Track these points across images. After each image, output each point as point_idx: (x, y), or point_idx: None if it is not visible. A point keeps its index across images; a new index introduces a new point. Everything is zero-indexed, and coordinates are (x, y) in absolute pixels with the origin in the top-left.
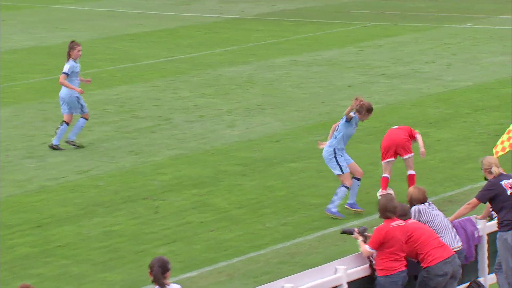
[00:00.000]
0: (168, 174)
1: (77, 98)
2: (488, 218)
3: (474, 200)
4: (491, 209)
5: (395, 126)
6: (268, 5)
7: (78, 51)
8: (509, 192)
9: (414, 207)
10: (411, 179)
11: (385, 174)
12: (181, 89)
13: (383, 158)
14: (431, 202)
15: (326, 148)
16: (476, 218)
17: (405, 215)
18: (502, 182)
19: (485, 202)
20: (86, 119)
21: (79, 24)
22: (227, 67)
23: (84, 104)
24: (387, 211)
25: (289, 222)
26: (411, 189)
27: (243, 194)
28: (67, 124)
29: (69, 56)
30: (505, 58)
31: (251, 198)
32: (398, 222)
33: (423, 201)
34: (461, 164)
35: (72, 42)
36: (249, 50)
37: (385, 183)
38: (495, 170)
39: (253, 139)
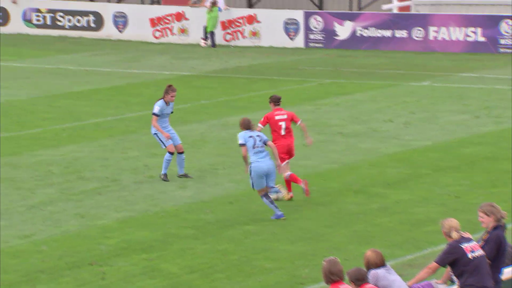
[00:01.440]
0: (116, 238)
1: (157, 135)
2: (449, 282)
3: (433, 264)
4: (451, 273)
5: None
6: (220, 62)
7: (172, 96)
8: (469, 255)
9: (372, 271)
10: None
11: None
12: (129, 149)
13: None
14: (389, 266)
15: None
16: (436, 283)
17: (362, 280)
18: (463, 246)
19: (445, 266)
20: (175, 153)
21: (20, 82)
22: (178, 126)
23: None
24: (332, 274)
25: (243, 287)
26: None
27: (194, 258)
28: (171, 153)
29: (163, 97)
30: (464, 117)
31: (203, 262)
32: (345, 287)
33: (380, 265)
34: (421, 227)
35: (169, 86)
36: (201, 108)
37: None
38: (455, 234)
39: (206, 201)
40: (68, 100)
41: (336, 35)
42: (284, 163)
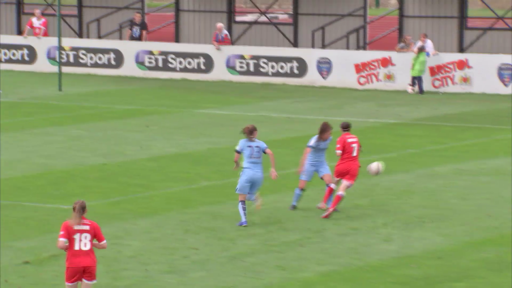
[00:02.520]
0: None
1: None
2: None
3: None
4: None
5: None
6: (428, 109)
7: (328, 134)
8: None
9: None
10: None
11: None
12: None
13: None
14: None
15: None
16: None
17: None
18: None
19: None
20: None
21: (223, 130)
22: (383, 176)
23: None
24: None
25: None
26: None
27: None
28: (301, 189)
29: (319, 134)
30: None
31: None
32: None
33: None
34: None
35: (325, 124)
36: (408, 157)
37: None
38: None
39: (412, 255)
40: (270, 148)
41: None
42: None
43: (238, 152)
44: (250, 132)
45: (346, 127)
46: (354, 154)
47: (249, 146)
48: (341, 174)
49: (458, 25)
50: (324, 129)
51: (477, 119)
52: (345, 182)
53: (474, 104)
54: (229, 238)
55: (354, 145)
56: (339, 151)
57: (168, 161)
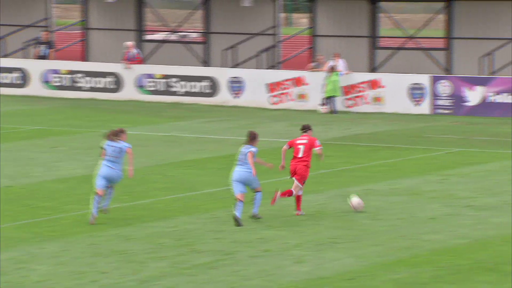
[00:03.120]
0: None
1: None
2: None
3: None
4: None
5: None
6: (341, 129)
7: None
8: None
9: None
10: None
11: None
12: (244, 221)
13: None
14: None
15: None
16: None
17: None
18: None
19: None
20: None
21: (133, 150)
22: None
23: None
24: None
25: None
26: None
27: None
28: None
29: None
30: None
31: None
32: None
33: None
34: None
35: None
36: (320, 177)
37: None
38: None
39: (324, 277)
40: (181, 169)
41: (466, 101)
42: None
43: (102, 148)
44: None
45: (303, 129)
46: (300, 155)
47: (112, 146)
48: (292, 174)
49: (370, 45)
50: (255, 137)
51: (389, 139)
52: (296, 182)
53: (386, 124)
54: (140, 261)
55: (301, 146)
56: (284, 147)
57: (76, 183)
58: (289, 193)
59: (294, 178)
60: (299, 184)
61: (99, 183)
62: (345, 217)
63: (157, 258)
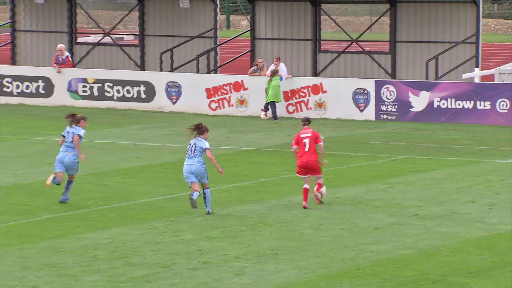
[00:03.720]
0: None
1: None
2: None
3: None
4: None
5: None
6: (282, 136)
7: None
8: None
9: None
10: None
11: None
12: (182, 231)
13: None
14: None
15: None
16: None
17: None
18: None
19: None
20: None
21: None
22: (235, 206)
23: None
24: None
25: None
26: None
27: None
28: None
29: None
30: None
31: None
32: None
33: None
34: None
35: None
36: (261, 186)
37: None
38: None
39: None
40: (116, 177)
41: (411, 106)
42: (305, 176)
43: (63, 136)
44: (75, 120)
45: (305, 121)
46: (307, 148)
47: (67, 132)
48: (303, 170)
49: (313, 48)
50: (206, 129)
51: (333, 146)
52: (315, 177)
53: (329, 130)
54: (72, 275)
55: (306, 140)
56: (293, 147)
57: (5, 193)
58: (318, 186)
59: (309, 176)
60: (318, 177)
61: (55, 166)
62: (287, 227)
63: (90, 271)
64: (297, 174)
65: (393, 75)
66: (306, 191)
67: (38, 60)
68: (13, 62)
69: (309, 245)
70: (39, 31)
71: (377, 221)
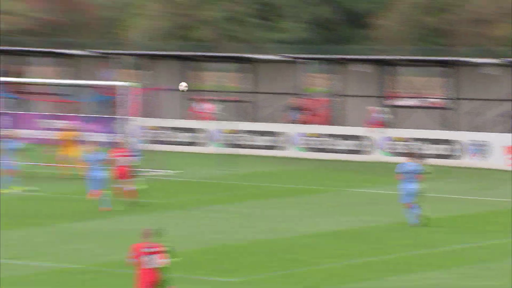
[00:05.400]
0: None
1: None
2: None
3: None
4: None
5: None
6: None
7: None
8: None
9: None
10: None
11: None
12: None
13: None
14: None
15: None
16: None
17: None
18: None
19: None
20: None
21: (377, 208)
22: None
23: None
24: None
25: None
26: None
27: None
28: None
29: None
30: None
31: None
32: None
33: None
34: None
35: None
36: None
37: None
38: None
39: None
40: (422, 227)
41: None
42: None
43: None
44: (415, 156)
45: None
46: None
47: (409, 166)
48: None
49: None
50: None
51: None
52: None
53: None
54: None
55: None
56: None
57: (330, 238)
58: None
59: None
60: None
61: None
62: None
63: None
64: None
65: None
66: None
67: (355, 121)
68: (330, 123)
69: None
70: (355, 96)
71: None
